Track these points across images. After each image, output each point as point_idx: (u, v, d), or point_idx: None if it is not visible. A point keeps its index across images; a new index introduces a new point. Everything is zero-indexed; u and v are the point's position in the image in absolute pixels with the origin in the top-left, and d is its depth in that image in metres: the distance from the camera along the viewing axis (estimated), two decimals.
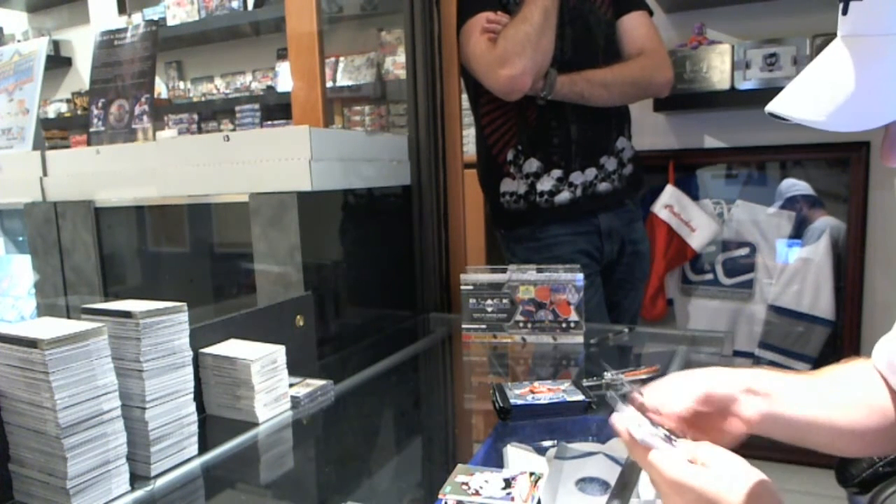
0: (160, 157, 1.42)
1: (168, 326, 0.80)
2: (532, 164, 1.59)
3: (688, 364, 1.20)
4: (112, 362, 0.72)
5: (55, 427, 0.66)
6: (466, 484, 0.65)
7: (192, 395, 0.83)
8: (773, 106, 0.57)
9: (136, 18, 3.54)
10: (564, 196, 1.59)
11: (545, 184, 1.59)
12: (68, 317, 1.46)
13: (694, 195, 2.40)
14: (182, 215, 1.45)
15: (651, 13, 1.67)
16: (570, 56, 1.56)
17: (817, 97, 0.55)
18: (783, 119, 0.57)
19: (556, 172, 1.59)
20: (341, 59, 3.27)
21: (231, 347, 0.97)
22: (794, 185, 2.30)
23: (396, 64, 3.12)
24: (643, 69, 1.59)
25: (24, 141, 1.69)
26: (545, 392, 0.96)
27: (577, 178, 1.59)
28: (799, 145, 2.25)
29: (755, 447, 0.72)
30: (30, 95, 1.71)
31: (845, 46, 0.56)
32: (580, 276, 1.32)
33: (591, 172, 1.60)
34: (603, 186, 1.61)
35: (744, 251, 2.35)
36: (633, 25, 1.64)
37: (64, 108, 4.18)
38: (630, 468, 0.70)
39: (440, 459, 0.94)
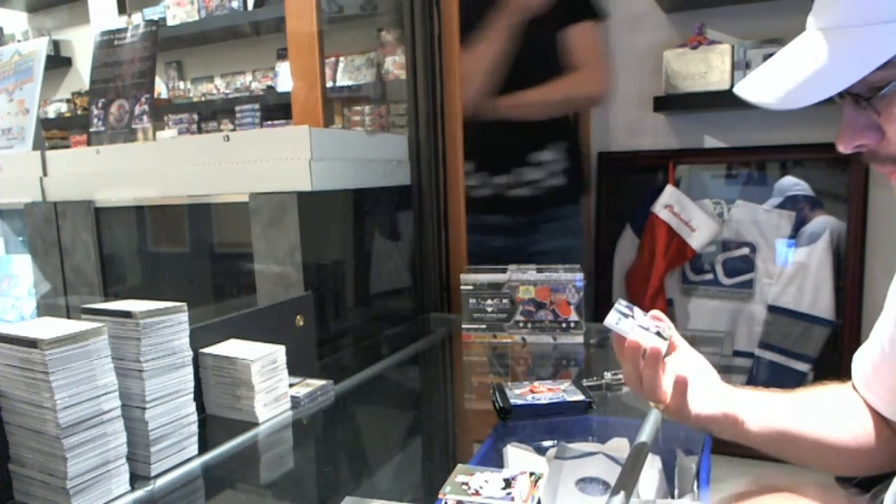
0: (160, 157, 1.42)
1: (168, 326, 0.80)
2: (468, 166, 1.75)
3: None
4: (112, 362, 0.72)
5: (55, 427, 0.66)
6: (466, 484, 0.65)
7: (192, 395, 0.83)
8: (740, 89, 0.66)
9: (136, 18, 3.54)
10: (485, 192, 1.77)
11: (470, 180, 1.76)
12: (68, 317, 1.46)
13: (694, 195, 2.40)
14: (182, 215, 1.45)
15: (602, 19, 1.72)
16: (513, 77, 1.68)
17: (776, 82, 0.63)
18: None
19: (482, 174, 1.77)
20: (341, 59, 3.27)
21: (231, 347, 0.97)
22: (796, 185, 2.29)
23: (396, 64, 3.11)
24: (574, 85, 1.71)
25: (24, 141, 1.69)
26: (545, 392, 0.96)
27: (499, 180, 1.76)
28: (799, 145, 2.25)
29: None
30: (30, 95, 1.71)
31: (807, 38, 0.64)
32: (580, 276, 1.32)
33: (508, 178, 1.76)
34: (521, 192, 1.75)
35: (744, 251, 2.35)
36: (574, 37, 1.72)
37: (64, 108, 4.18)
38: (630, 468, 0.70)
39: (440, 459, 0.94)
